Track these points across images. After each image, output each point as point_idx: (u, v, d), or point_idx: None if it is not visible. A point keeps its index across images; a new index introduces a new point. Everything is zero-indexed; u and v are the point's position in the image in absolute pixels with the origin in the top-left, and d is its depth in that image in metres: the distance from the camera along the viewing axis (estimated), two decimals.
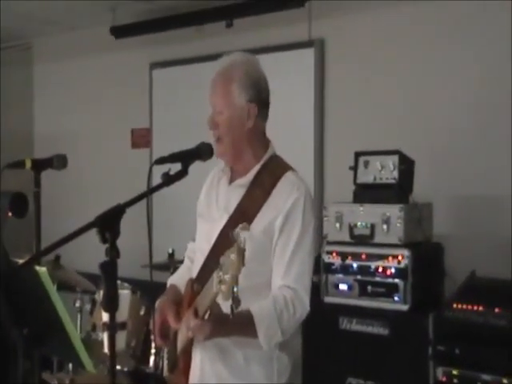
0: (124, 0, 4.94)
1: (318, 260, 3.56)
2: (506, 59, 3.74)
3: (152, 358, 3.43)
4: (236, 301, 1.70)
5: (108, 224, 1.72)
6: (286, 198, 2.18)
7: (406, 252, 3.41)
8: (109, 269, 1.70)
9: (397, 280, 3.42)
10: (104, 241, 1.71)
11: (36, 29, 5.86)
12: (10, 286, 1.91)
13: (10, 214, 2.89)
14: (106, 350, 3.39)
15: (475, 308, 3.23)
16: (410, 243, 3.47)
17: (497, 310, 3.17)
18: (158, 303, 2.28)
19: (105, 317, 3.37)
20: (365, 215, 3.56)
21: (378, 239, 3.51)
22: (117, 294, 1.74)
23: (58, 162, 2.87)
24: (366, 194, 3.65)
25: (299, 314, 2.13)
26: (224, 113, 2.21)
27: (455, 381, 3.20)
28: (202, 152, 2.10)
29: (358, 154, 3.71)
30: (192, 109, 4.89)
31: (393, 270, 3.43)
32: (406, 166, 3.62)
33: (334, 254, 3.62)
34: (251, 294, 2.00)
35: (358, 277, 3.55)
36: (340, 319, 3.56)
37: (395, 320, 3.41)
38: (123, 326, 3.41)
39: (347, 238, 3.61)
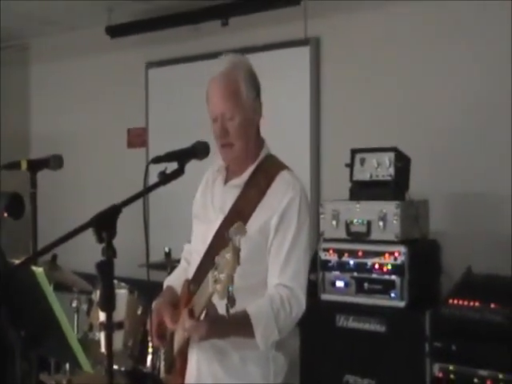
0: (121, 0, 4.94)
1: (314, 257, 3.57)
2: (506, 59, 3.74)
3: (149, 358, 3.43)
4: (231, 300, 1.70)
5: (104, 224, 1.72)
6: (281, 197, 2.18)
7: (402, 249, 3.42)
8: (105, 268, 1.70)
9: (393, 277, 3.43)
10: (100, 240, 1.71)
11: (33, 29, 5.85)
12: (6, 286, 1.91)
13: (6, 214, 2.88)
14: (103, 349, 3.39)
15: (471, 304, 3.24)
16: (407, 240, 3.48)
17: (493, 305, 3.18)
18: (154, 304, 2.28)
19: (102, 316, 3.36)
20: (361, 212, 3.57)
21: (374, 236, 3.52)
22: (114, 294, 1.74)
23: (54, 162, 2.86)
24: (362, 191, 3.65)
25: (295, 312, 2.13)
26: (235, 118, 2.17)
27: (452, 377, 3.21)
28: (198, 151, 2.10)
29: (354, 152, 3.72)
30: (188, 108, 4.90)
31: (389, 267, 3.44)
32: (403, 163, 3.63)
33: (331, 252, 3.63)
34: (247, 293, 2.01)
35: (355, 274, 3.56)
36: (337, 316, 3.57)
37: (392, 317, 3.42)
38: (120, 325, 3.40)
39: (344, 235, 3.61)
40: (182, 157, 2.04)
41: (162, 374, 2.37)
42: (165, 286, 2.40)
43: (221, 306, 1.85)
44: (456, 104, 3.97)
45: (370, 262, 3.51)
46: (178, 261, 2.59)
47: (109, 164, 5.72)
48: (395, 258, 3.43)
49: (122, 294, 3.47)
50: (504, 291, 3.28)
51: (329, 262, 3.63)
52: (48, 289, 1.87)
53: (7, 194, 2.83)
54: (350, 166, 3.70)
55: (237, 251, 1.67)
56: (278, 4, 4.46)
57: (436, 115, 4.03)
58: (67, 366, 3.69)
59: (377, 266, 3.48)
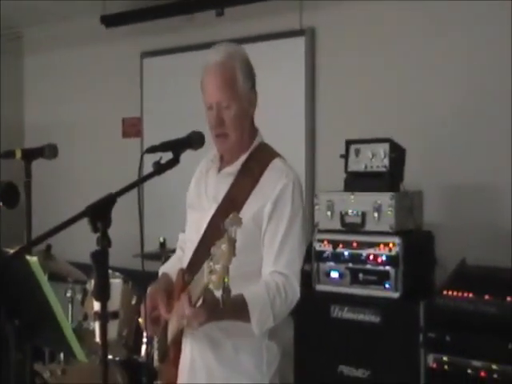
0: None
1: (309, 248, 3.57)
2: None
3: (144, 348, 3.44)
4: (227, 291, 1.70)
5: (99, 213, 1.72)
6: (274, 184, 2.18)
7: (396, 240, 3.43)
8: (100, 258, 1.70)
9: (388, 268, 3.44)
10: (95, 230, 1.70)
11: (26, 18, 5.81)
12: (0, 276, 1.91)
13: (0, 204, 2.87)
14: (97, 339, 3.40)
15: (465, 295, 3.26)
16: (401, 231, 3.49)
17: (487, 297, 3.19)
18: (149, 289, 2.28)
19: (96, 306, 3.37)
20: (356, 203, 3.57)
21: (369, 227, 3.52)
22: (108, 284, 1.74)
23: (49, 151, 2.85)
24: (357, 182, 3.65)
25: (290, 299, 2.13)
26: (231, 107, 2.17)
27: (446, 367, 3.22)
28: (193, 141, 2.09)
29: (348, 143, 3.72)
30: (183, 98, 4.89)
31: (384, 258, 3.45)
32: (397, 154, 3.63)
33: (326, 242, 3.63)
34: (241, 281, 2.00)
35: (350, 265, 3.56)
36: (331, 307, 3.57)
37: (386, 308, 3.43)
38: (115, 315, 3.41)
39: (338, 226, 3.62)
40: (177, 147, 2.03)
41: (156, 363, 2.37)
42: (160, 273, 2.40)
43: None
44: (452, 95, 3.97)
45: (364, 252, 3.51)
46: (173, 251, 2.59)
47: (103, 154, 5.71)
48: (390, 249, 3.44)
49: (116, 283, 3.48)
50: (498, 283, 3.29)
51: (323, 252, 3.63)
52: (42, 278, 1.86)
53: (1, 182, 2.81)
54: (345, 157, 3.70)
55: (232, 242, 1.67)
56: None
57: (431, 106, 4.03)
58: (62, 355, 3.69)
59: (371, 257, 3.49)
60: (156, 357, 2.36)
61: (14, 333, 2.03)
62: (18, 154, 2.79)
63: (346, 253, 3.57)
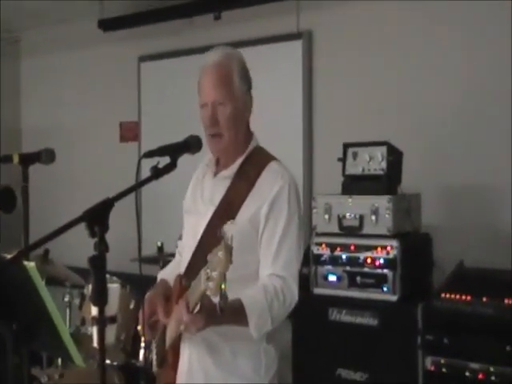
0: None
1: (307, 252, 3.58)
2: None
3: (142, 352, 3.43)
4: (224, 298, 1.70)
5: (97, 218, 1.71)
6: (270, 186, 2.18)
7: (394, 243, 3.43)
8: (98, 263, 1.69)
9: (386, 271, 3.44)
10: (93, 235, 1.70)
11: (24, 22, 5.82)
12: None
13: None
14: (95, 344, 3.39)
15: (463, 298, 3.26)
16: (399, 234, 3.49)
17: (484, 299, 3.20)
18: (147, 295, 2.28)
19: (94, 311, 3.36)
20: (353, 206, 3.57)
21: (366, 230, 3.52)
22: (106, 288, 1.73)
23: (46, 156, 2.84)
24: (354, 185, 3.66)
25: (288, 302, 2.13)
26: (227, 106, 2.17)
27: (444, 370, 3.22)
28: (191, 145, 2.09)
29: (346, 146, 3.72)
30: (180, 102, 4.89)
31: (382, 261, 3.45)
32: (395, 157, 3.63)
33: (323, 246, 3.63)
34: (238, 285, 2.01)
35: (347, 268, 3.56)
36: (329, 310, 3.57)
37: (384, 310, 3.43)
38: (113, 320, 3.40)
39: (336, 230, 3.62)
40: (175, 151, 2.03)
41: (154, 368, 2.37)
42: (158, 278, 2.40)
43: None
44: (449, 98, 3.97)
45: (362, 256, 3.51)
46: (171, 255, 2.60)
47: (101, 158, 5.71)
48: (387, 252, 3.44)
49: (114, 288, 3.47)
50: (496, 285, 3.30)
51: (321, 256, 3.64)
52: (40, 283, 1.86)
53: None
54: (343, 160, 3.71)
55: (229, 249, 1.67)
56: None
57: (428, 109, 4.04)
58: (59, 360, 3.68)
59: (369, 260, 3.49)
60: (154, 361, 2.36)
61: (11, 337, 2.02)
62: (16, 159, 2.78)
63: (344, 256, 3.57)
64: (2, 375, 2.08)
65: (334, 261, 3.60)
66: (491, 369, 3.10)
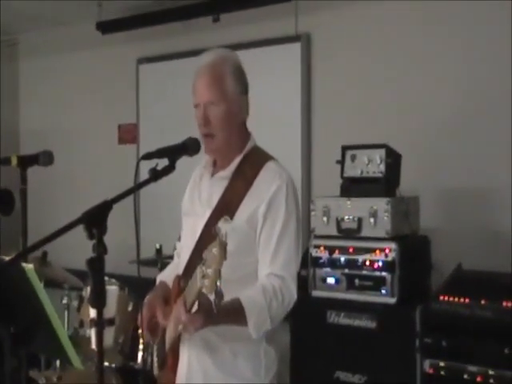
0: None
1: (305, 254, 3.58)
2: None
3: (140, 354, 3.43)
4: (219, 295, 1.70)
5: (95, 220, 1.71)
6: (268, 186, 2.18)
7: (393, 245, 3.43)
8: (96, 265, 1.69)
9: (384, 273, 3.44)
10: (91, 237, 1.70)
11: (22, 25, 5.81)
12: None
13: None
14: (93, 346, 3.38)
15: (462, 300, 3.26)
16: (397, 236, 3.49)
17: (483, 301, 3.20)
18: (146, 298, 2.28)
19: (92, 313, 3.35)
20: (352, 209, 3.57)
21: (365, 233, 3.52)
22: (104, 290, 1.74)
23: (45, 158, 2.84)
24: (353, 187, 3.66)
25: (287, 302, 2.14)
26: (220, 105, 2.18)
27: (442, 373, 3.22)
28: (189, 147, 2.10)
29: (344, 148, 3.72)
30: (179, 104, 4.87)
31: (380, 264, 3.45)
32: (393, 159, 3.64)
33: (322, 248, 3.63)
34: (237, 285, 2.02)
35: (346, 270, 3.56)
36: (328, 313, 3.57)
37: (383, 313, 3.43)
38: (111, 322, 3.40)
39: (334, 232, 3.62)
40: (173, 153, 2.03)
41: (156, 371, 2.37)
42: (158, 281, 2.41)
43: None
44: (448, 99, 3.97)
45: (360, 258, 3.51)
46: (169, 257, 2.59)
47: (99, 160, 5.70)
48: (386, 255, 3.44)
49: (112, 290, 3.46)
50: (494, 287, 3.30)
51: (320, 258, 3.63)
52: (38, 285, 1.86)
53: None
54: (341, 162, 3.71)
55: (223, 246, 1.67)
56: (269, 0, 4.46)
57: (427, 112, 4.04)
58: (57, 362, 3.68)
59: (368, 263, 3.49)
60: (156, 364, 2.36)
61: (9, 339, 2.02)
62: (14, 161, 2.78)
63: (342, 258, 3.57)
64: (1, 378, 2.08)
65: (333, 263, 3.60)
66: (490, 372, 3.10)
